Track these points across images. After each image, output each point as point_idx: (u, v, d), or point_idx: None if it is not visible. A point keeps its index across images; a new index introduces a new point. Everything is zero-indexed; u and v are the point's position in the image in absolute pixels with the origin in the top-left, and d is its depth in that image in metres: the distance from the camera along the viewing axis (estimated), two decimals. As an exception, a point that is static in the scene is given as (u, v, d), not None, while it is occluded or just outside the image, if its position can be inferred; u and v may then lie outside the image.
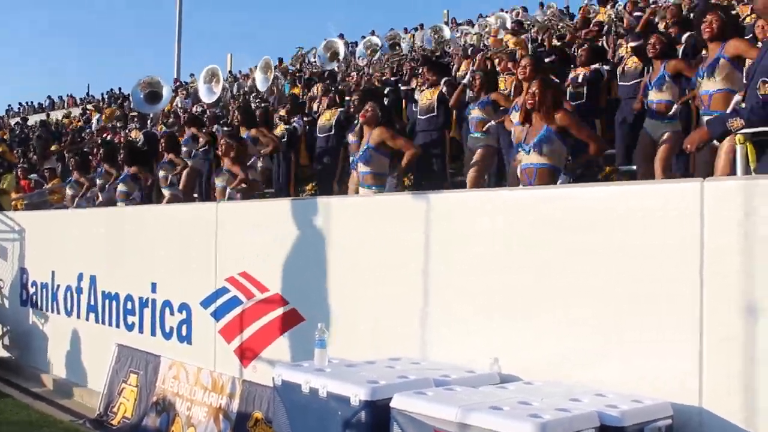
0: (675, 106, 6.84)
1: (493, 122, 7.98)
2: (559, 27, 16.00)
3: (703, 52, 6.62)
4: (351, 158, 6.98)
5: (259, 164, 10.14)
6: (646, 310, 3.55)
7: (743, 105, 3.99)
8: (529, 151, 5.36)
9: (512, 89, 8.88)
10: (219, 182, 8.11)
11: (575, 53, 10.85)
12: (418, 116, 9.19)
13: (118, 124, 21.57)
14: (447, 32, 20.55)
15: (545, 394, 3.51)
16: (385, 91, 12.92)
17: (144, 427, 6.61)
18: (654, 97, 6.96)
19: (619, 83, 8.97)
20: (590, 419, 3.14)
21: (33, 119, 34.73)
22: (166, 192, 10.04)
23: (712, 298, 3.33)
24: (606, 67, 9.07)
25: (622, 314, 3.64)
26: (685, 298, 3.41)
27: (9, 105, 44.69)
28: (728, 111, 5.61)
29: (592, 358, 3.75)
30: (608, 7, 15.48)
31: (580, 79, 8.77)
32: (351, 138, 8.98)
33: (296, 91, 15.09)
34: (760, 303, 3.17)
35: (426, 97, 9.10)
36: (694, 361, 3.37)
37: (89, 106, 34.66)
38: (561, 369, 3.87)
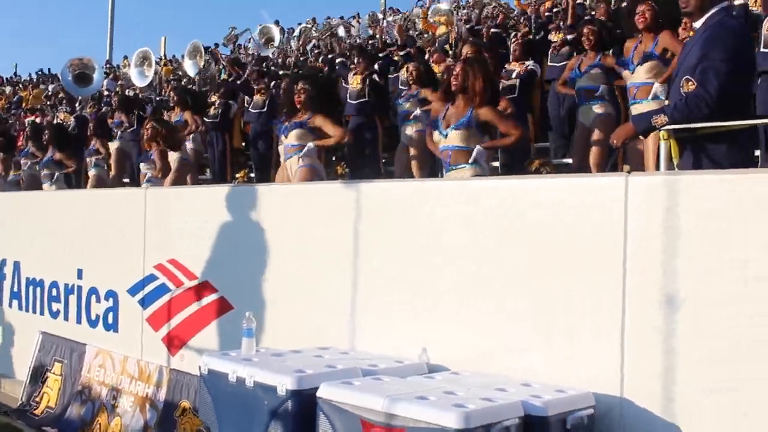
0: (602, 87, 7.04)
1: (418, 110, 8.05)
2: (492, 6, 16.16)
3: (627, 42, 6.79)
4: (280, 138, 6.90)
5: (189, 146, 10.00)
6: (571, 301, 3.61)
7: (667, 102, 4.09)
8: (447, 134, 5.42)
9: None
10: (144, 168, 7.97)
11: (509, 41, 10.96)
12: (348, 100, 9.17)
13: (48, 104, 21.04)
14: (382, 21, 20.57)
15: (472, 384, 3.55)
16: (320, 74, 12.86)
17: (68, 416, 6.48)
18: (583, 83, 7.14)
19: (549, 64, 9.11)
20: (514, 409, 3.19)
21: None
22: (92, 171, 9.83)
23: (633, 290, 3.41)
24: (538, 66, 9.18)
25: (548, 305, 3.70)
26: (608, 289, 3.48)
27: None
28: (648, 98, 5.83)
29: (519, 348, 3.80)
30: None
31: (513, 75, 8.87)
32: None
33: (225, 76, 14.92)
34: (678, 295, 3.26)
35: (356, 81, 9.09)
36: (616, 351, 3.45)
37: (15, 87, 33.68)
38: (489, 359, 3.91)
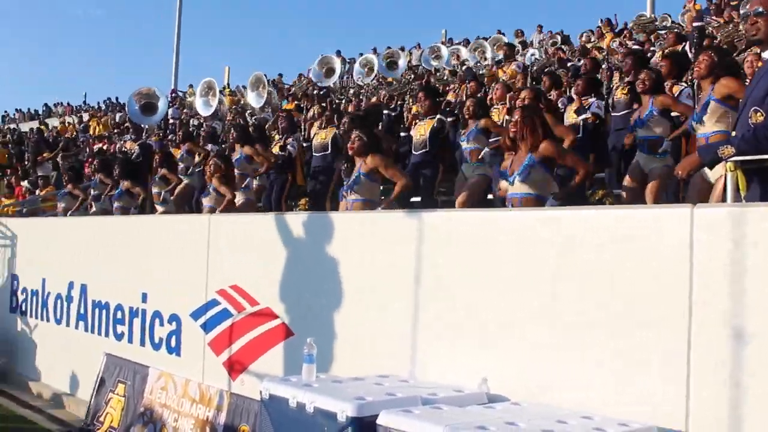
0: (665, 142, 6.86)
1: (487, 149, 7.99)
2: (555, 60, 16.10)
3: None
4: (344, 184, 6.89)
5: (255, 183, 10.11)
6: (635, 333, 3.56)
7: (734, 133, 4.03)
8: (513, 181, 5.41)
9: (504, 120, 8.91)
10: (206, 202, 8.13)
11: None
12: (413, 151, 9.12)
13: (115, 132, 21.57)
14: (445, 52, 20.64)
15: (532, 415, 3.52)
16: (383, 111, 12.89)
17: (130, 437, 6.59)
18: (644, 133, 6.96)
19: (611, 114, 9.01)
20: (576, 441, 3.16)
21: (28, 126, 34.68)
22: (159, 208, 10.05)
23: (700, 323, 3.35)
24: (601, 103, 9.06)
25: (611, 337, 3.65)
26: (673, 322, 3.43)
27: (5, 111, 44.48)
28: None
29: (581, 380, 3.76)
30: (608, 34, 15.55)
31: (581, 117, 8.75)
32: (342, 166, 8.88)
33: (290, 107, 15.04)
34: (746, 329, 3.19)
35: (419, 132, 9.01)
36: (681, 385, 3.38)
37: (85, 115, 34.66)
38: (549, 390, 3.87)
